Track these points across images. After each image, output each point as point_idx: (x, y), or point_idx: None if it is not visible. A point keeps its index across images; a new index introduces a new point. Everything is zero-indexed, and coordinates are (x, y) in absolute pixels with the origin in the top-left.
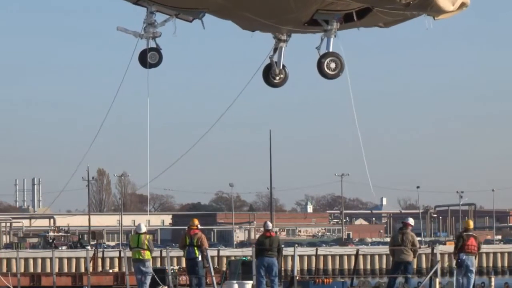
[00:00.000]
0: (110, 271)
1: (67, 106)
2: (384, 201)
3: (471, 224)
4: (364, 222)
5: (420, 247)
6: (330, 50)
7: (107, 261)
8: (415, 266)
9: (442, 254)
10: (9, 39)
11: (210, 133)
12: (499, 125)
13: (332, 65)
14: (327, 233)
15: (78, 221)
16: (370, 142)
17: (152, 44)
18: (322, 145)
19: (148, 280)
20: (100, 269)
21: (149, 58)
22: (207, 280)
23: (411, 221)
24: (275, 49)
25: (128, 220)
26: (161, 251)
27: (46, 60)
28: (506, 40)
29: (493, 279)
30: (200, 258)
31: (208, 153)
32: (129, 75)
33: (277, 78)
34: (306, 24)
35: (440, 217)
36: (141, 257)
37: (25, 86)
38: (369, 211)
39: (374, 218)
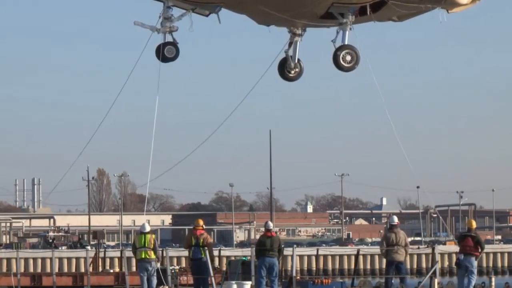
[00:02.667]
0: (111, 271)
1: (67, 106)
2: (384, 201)
3: (473, 223)
4: (364, 222)
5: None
6: (346, 43)
7: (107, 261)
8: (415, 266)
9: (442, 254)
10: (9, 39)
11: (210, 133)
12: (499, 125)
13: (348, 57)
14: (327, 233)
15: (78, 221)
16: (370, 142)
17: (168, 38)
18: (322, 145)
19: (155, 280)
20: (101, 269)
21: (166, 52)
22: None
23: (397, 219)
24: (290, 43)
25: (128, 220)
26: (162, 251)
27: (46, 60)
28: (507, 40)
29: (493, 279)
30: (205, 258)
31: (208, 153)
32: (131, 75)
33: (292, 72)
34: (322, 18)
35: (440, 217)
36: (147, 257)
37: (25, 86)
38: (369, 211)
39: (374, 218)
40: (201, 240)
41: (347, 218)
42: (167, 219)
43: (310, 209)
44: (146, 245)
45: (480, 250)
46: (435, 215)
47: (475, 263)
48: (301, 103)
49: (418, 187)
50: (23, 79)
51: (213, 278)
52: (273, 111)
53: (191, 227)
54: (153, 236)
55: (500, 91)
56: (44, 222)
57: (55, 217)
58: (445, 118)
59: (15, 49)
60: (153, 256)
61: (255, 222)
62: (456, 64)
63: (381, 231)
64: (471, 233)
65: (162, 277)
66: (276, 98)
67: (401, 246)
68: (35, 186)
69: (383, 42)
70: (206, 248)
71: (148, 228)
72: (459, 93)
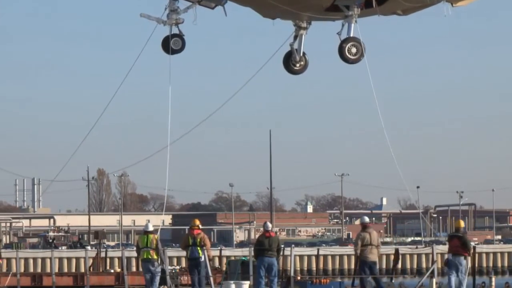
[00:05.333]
0: (112, 271)
1: (67, 106)
2: (384, 201)
3: (461, 224)
4: None
5: None
6: (351, 35)
7: (107, 261)
8: (415, 266)
9: (442, 254)
10: (10, 39)
11: (210, 133)
12: (499, 125)
13: (353, 50)
14: (327, 233)
15: (78, 221)
16: (371, 142)
17: (174, 31)
18: (322, 145)
19: (158, 280)
20: (102, 269)
21: (172, 44)
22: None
23: (368, 219)
24: (295, 37)
25: (128, 220)
26: (163, 251)
27: (46, 60)
28: (508, 40)
29: (493, 279)
30: (203, 258)
31: (208, 153)
32: (131, 75)
33: (298, 65)
34: (327, 10)
35: (440, 217)
36: (150, 257)
37: (26, 86)
38: (369, 211)
39: (374, 218)
40: (198, 240)
41: (347, 218)
42: (167, 219)
43: (310, 209)
44: (149, 245)
45: (467, 251)
46: (435, 215)
47: (464, 262)
48: (301, 103)
49: (418, 187)
50: (23, 79)
51: (211, 278)
52: (273, 111)
53: None
54: (156, 236)
55: (501, 91)
56: (44, 222)
57: (55, 217)
58: (445, 118)
59: (15, 49)
60: (155, 256)
61: (255, 222)
62: (457, 64)
63: (381, 231)
64: (458, 233)
65: (166, 278)
66: (276, 97)
67: (375, 246)
68: (35, 186)
69: (385, 41)
70: (204, 247)
71: (151, 228)
72: (459, 94)
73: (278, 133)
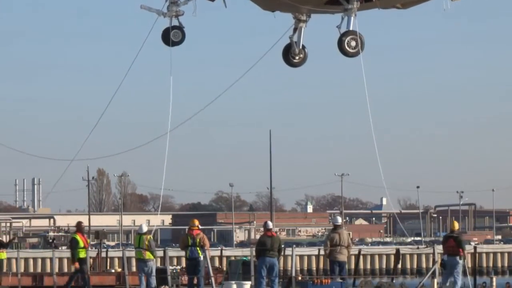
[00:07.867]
0: (112, 271)
1: (68, 106)
2: (384, 201)
3: (455, 225)
4: (364, 222)
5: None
6: (351, 29)
7: (108, 261)
8: (415, 266)
9: (441, 255)
10: (10, 38)
11: (211, 133)
12: (499, 125)
13: (353, 43)
14: (327, 233)
15: None
16: (370, 142)
17: (175, 23)
18: (322, 145)
19: (153, 280)
20: (104, 269)
21: (172, 36)
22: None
23: (341, 220)
24: (294, 29)
25: (128, 220)
26: (164, 251)
27: (47, 60)
28: (509, 40)
29: (494, 279)
30: (202, 258)
31: (208, 153)
32: (132, 74)
33: (297, 57)
34: (327, 4)
35: (440, 217)
36: (142, 257)
37: (26, 86)
38: (369, 211)
39: (374, 218)
40: (198, 240)
41: (347, 218)
42: (167, 219)
43: (310, 209)
44: (141, 246)
45: (460, 250)
46: (435, 215)
47: (460, 262)
48: (301, 103)
49: (418, 187)
50: (23, 79)
51: (212, 279)
52: (273, 111)
53: None
54: (148, 236)
55: (501, 92)
56: (44, 222)
57: (55, 217)
58: (445, 119)
59: (15, 50)
60: (148, 256)
61: (255, 222)
62: (457, 65)
63: (381, 231)
64: (453, 234)
65: (166, 278)
66: (277, 97)
67: (344, 246)
68: (35, 186)
69: (386, 41)
70: (203, 247)
71: (144, 229)
72: (459, 94)
73: (278, 133)
